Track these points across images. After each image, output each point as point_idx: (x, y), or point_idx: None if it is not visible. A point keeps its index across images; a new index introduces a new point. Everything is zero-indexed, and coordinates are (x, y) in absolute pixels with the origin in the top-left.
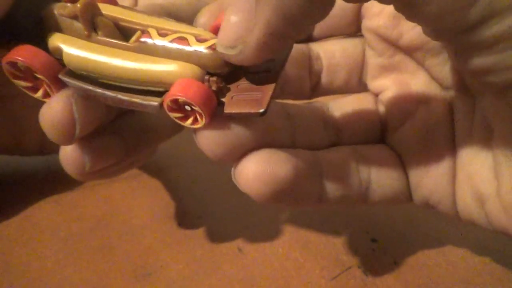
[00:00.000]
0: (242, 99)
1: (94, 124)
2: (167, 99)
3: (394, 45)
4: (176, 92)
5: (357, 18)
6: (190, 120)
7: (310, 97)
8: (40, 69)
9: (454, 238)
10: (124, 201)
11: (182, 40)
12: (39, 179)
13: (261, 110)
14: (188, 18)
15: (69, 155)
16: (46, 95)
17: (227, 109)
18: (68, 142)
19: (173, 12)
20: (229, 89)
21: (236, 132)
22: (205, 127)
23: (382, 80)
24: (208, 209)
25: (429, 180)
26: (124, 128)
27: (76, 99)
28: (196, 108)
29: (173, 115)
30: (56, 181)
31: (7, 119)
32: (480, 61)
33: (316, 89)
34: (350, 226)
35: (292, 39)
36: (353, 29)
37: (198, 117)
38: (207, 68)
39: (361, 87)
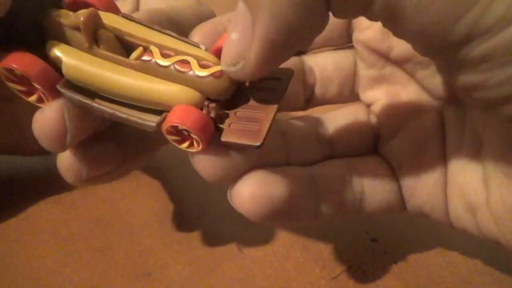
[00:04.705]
0: (239, 128)
1: (86, 133)
2: (166, 125)
3: (385, 57)
4: (175, 120)
5: (348, 30)
6: (186, 144)
7: (304, 109)
8: (36, 78)
9: (454, 238)
10: (124, 201)
11: (185, 63)
12: (39, 179)
13: (258, 144)
14: (189, 24)
15: (66, 162)
16: (40, 100)
17: (224, 137)
18: (59, 150)
19: (174, 18)
20: (227, 115)
21: (232, 157)
22: (202, 152)
23: (373, 91)
24: (208, 209)
25: (422, 190)
26: (121, 135)
27: (69, 108)
28: (194, 136)
29: (171, 137)
30: (56, 181)
31: (8, 120)
32: (467, 78)
33: (310, 101)
34: (350, 226)
35: (291, 51)
36: (344, 40)
37: (195, 143)
38: (207, 94)
39: (354, 97)
